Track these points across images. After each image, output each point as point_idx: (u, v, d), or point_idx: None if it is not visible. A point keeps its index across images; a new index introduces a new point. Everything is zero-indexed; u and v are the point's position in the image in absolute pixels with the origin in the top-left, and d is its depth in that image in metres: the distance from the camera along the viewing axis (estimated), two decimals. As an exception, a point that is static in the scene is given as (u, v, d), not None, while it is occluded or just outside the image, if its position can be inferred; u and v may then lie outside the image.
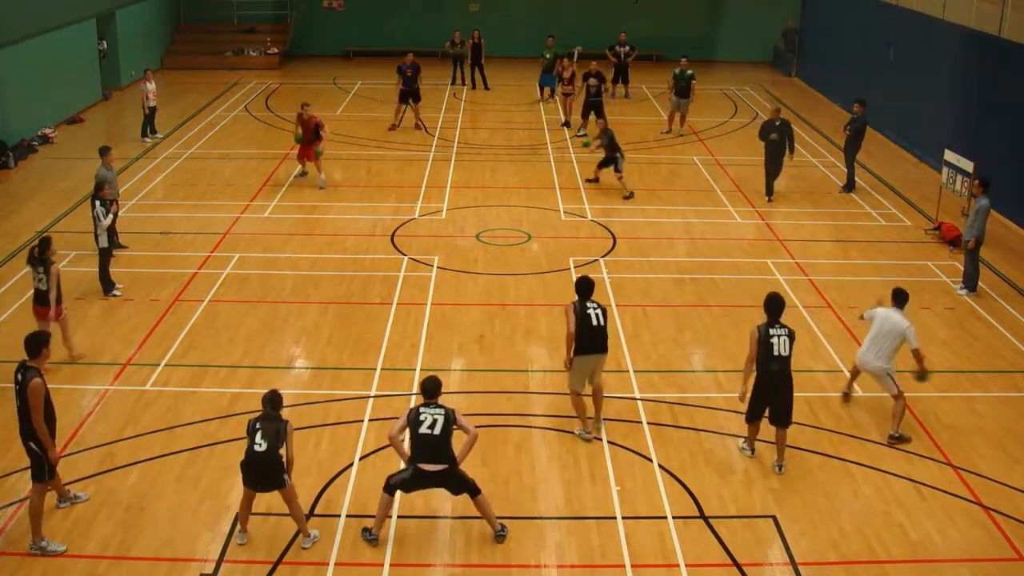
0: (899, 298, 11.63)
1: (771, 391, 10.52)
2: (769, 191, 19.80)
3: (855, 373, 12.20)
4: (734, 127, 25.88)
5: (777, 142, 19.52)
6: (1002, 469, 10.88)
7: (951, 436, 11.51)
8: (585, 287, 11.13)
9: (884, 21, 25.72)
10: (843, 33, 28.72)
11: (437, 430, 9.04)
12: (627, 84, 28.38)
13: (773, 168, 19.72)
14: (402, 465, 9.57)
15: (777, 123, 19.60)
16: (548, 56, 27.43)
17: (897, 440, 11.37)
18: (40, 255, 12.40)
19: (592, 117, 23.11)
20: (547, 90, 28.11)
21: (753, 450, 10.90)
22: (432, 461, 9.08)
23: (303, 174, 20.49)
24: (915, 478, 10.68)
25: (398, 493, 9.46)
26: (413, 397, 11.90)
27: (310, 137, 19.96)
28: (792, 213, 19.06)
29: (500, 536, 9.45)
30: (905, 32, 24.34)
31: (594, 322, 10.95)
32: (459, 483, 9.29)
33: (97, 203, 14.56)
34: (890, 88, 24.64)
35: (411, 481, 9.20)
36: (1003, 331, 14.27)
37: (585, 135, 23.83)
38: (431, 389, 9.30)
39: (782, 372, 10.44)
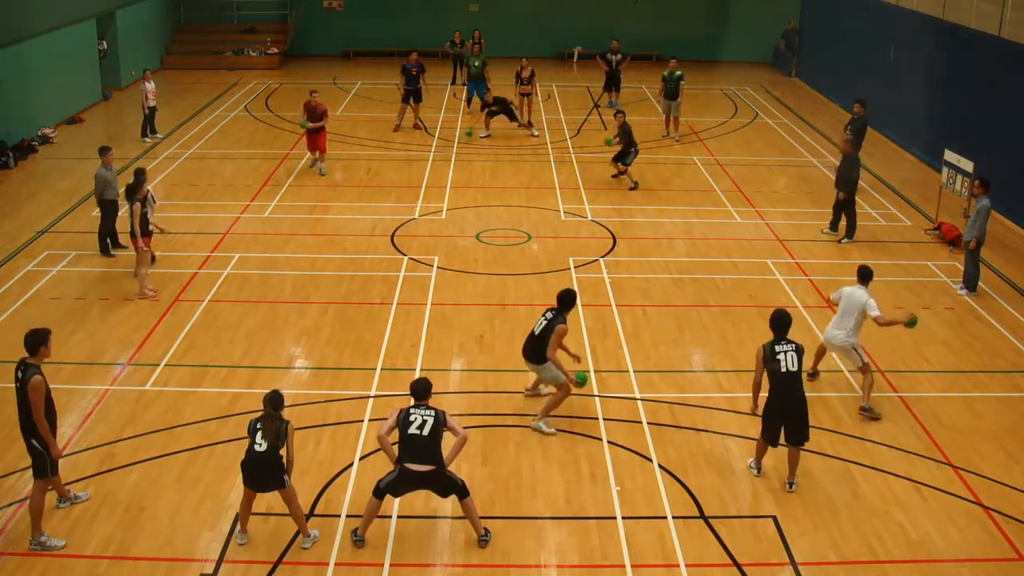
0: (862, 275, 12.03)
1: (785, 409, 10.22)
2: (839, 227, 17.75)
3: (821, 351, 12.52)
4: (734, 127, 25.88)
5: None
6: (1002, 469, 10.88)
7: (951, 436, 11.51)
8: (560, 297, 11.44)
9: (884, 21, 25.72)
10: (843, 33, 28.71)
11: (426, 431, 9.02)
12: (618, 92, 27.33)
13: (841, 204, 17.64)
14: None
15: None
16: (477, 64, 25.24)
17: (867, 413, 11.71)
18: (133, 190, 14.22)
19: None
20: (475, 98, 25.77)
21: (760, 470, 10.63)
22: (419, 461, 9.05)
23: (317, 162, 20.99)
24: (915, 478, 10.68)
25: (388, 496, 9.41)
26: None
27: (317, 123, 20.47)
28: (792, 213, 19.05)
29: (483, 541, 9.42)
30: (905, 32, 24.34)
31: (536, 330, 11.32)
32: (446, 485, 9.26)
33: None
34: (890, 88, 24.64)
35: (399, 482, 9.17)
36: (1003, 331, 14.27)
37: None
38: (421, 390, 9.29)
39: (793, 388, 10.17)
